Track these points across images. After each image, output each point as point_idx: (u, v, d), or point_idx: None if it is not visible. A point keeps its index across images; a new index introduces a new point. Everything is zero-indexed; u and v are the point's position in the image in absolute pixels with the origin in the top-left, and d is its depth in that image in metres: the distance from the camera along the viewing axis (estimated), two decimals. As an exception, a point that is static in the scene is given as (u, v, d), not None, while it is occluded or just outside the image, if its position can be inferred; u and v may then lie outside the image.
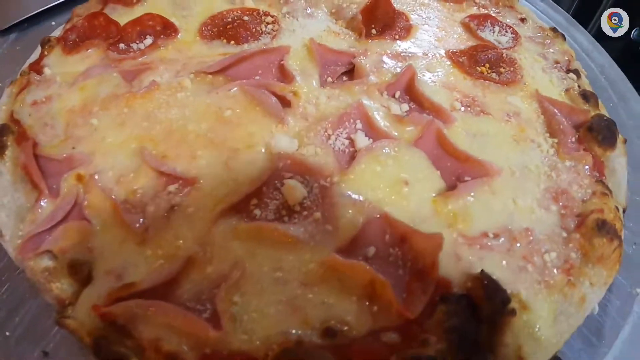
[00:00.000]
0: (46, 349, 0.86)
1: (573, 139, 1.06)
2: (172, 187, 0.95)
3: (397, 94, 1.14)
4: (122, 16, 1.29)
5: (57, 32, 1.30)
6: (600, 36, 1.53)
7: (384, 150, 1.00)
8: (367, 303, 0.81)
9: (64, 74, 1.16)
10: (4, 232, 0.93)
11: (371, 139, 1.04)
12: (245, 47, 1.23)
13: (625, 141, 1.10)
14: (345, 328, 0.78)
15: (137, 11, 1.32)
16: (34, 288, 0.88)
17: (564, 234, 0.91)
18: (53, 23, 1.42)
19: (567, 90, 1.20)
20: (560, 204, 0.96)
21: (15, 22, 1.40)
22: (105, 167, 0.97)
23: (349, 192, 0.93)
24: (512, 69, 1.21)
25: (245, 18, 1.30)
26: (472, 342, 0.76)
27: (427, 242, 0.85)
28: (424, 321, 0.78)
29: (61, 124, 1.05)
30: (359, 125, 1.06)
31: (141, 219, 0.91)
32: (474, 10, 1.43)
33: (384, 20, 1.33)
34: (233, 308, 0.80)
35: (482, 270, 0.83)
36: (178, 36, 1.27)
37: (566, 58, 1.28)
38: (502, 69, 1.21)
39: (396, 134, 1.05)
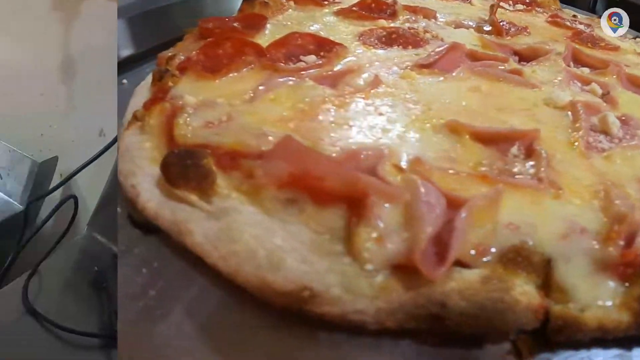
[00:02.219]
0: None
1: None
2: (514, 150, 0.87)
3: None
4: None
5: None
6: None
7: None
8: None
9: (226, 95, 0.96)
10: (317, 287, 0.57)
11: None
12: (428, 47, 1.27)
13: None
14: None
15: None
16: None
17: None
18: (124, 81, 1.16)
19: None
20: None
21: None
22: (414, 152, 0.83)
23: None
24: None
25: (402, 29, 1.34)
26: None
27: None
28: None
29: (285, 131, 0.83)
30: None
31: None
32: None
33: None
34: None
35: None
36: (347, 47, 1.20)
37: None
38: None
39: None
